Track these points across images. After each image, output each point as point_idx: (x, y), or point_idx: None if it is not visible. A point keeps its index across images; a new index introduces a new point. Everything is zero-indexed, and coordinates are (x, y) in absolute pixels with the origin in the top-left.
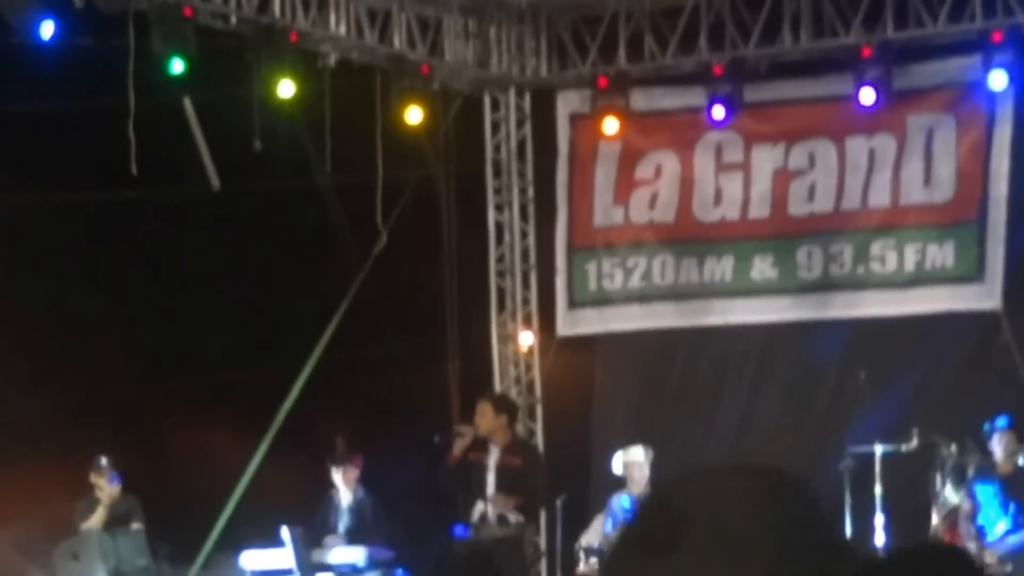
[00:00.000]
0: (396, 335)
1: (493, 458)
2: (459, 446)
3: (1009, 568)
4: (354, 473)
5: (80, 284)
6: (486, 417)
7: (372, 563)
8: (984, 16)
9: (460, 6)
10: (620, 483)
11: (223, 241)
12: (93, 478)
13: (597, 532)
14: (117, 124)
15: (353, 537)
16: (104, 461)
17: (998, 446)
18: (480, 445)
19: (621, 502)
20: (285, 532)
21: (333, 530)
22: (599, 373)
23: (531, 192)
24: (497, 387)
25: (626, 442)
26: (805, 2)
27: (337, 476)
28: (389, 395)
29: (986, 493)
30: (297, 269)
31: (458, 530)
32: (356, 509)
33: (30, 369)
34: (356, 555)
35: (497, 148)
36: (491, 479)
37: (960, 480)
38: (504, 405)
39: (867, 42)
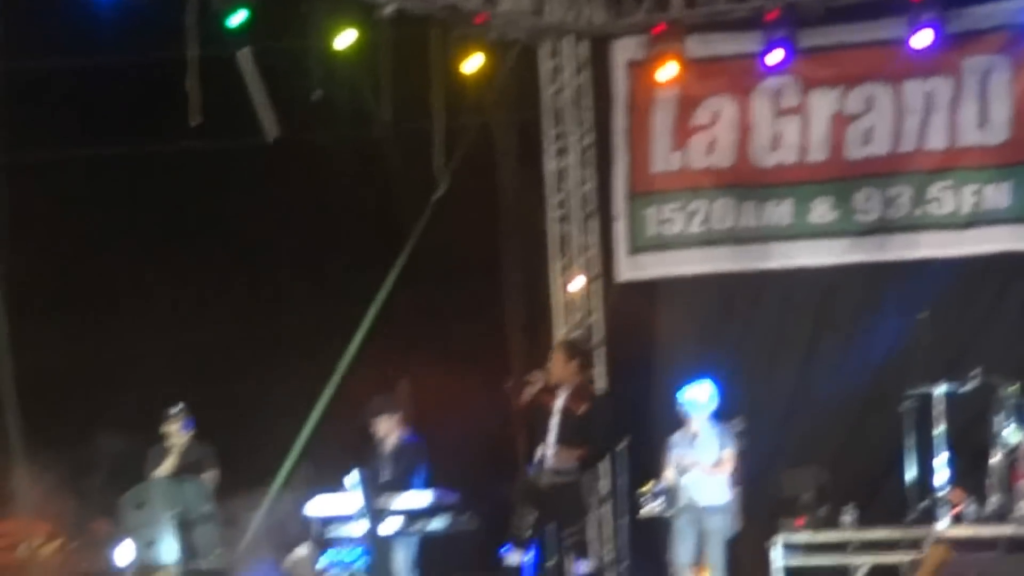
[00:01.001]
0: (456, 281)
1: (559, 402)
2: (528, 392)
3: None
4: (390, 422)
5: (143, 234)
6: (558, 363)
7: (439, 506)
8: None
9: None
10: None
11: (284, 190)
12: (165, 426)
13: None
14: (177, 76)
15: (395, 485)
16: (178, 408)
17: None
18: (550, 390)
19: (672, 440)
20: (353, 476)
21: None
22: (661, 317)
23: (589, 139)
24: (556, 332)
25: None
26: None
27: (375, 426)
28: (449, 341)
29: None
30: (357, 216)
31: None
32: (397, 457)
33: (98, 317)
34: (422, 499)
35: (555, 96)
36: (554, 423)
37: (1022, 418)
38: (575, 351)
39: None
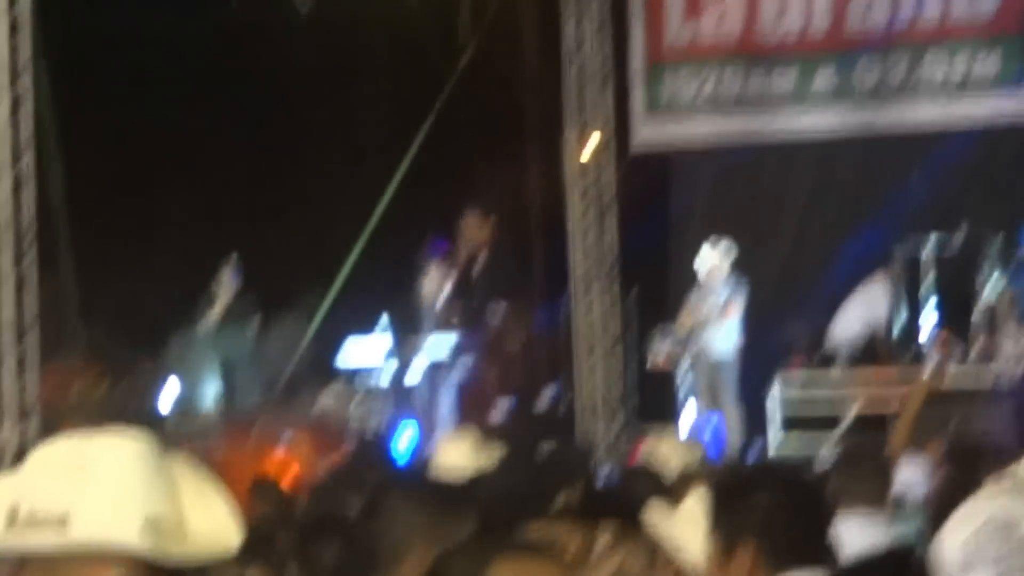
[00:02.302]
0: (479, 142)
1: (477, 268)
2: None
3: None
4: (443, 266)
5: (191, 100)
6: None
7: (463, 347)
8: None
9: None
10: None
11: (318, 57)
12: (222, 276)
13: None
14: None
15: (445, 326)
16: (233, 259)
17: None
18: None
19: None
20: (384, 319)
21: (422, 321)
22: (675, 179)
23: (606, 10)
24: (569, 190)
25: (701, 241)
26: None
27: (429, 270)
28: (471, 196)
29: None
30: (388, 81)
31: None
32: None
33: (148, 171)
34: (448, 340)
35: None
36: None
37: (1006, 265)
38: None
39: None
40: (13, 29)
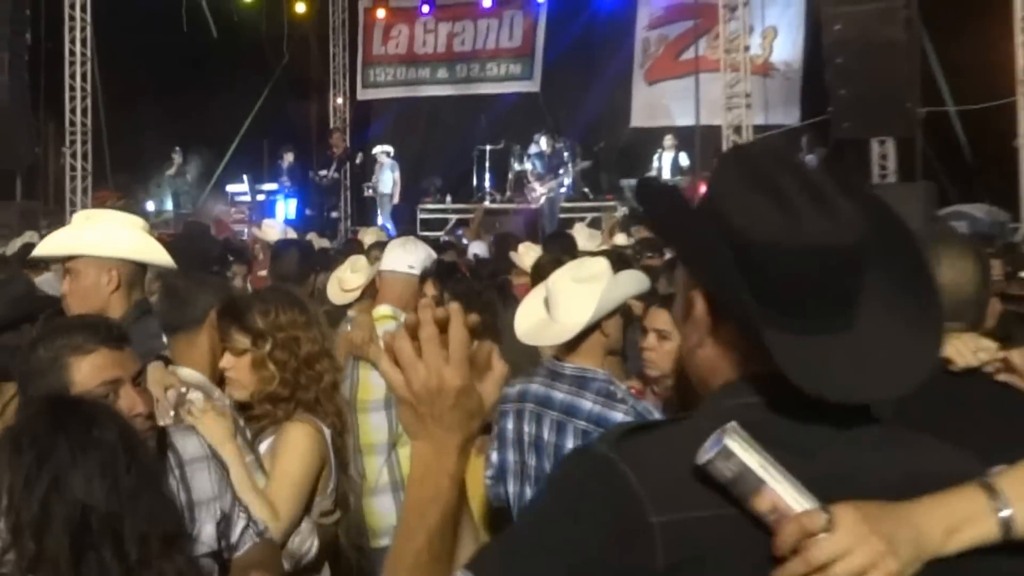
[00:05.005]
0: (295, 97)
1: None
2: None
3: (551, 192)
4: (292, 154)
5: (162, 80)
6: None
7: (279, 192)
8: None
9: None
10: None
11: (222, 54)
12: (173, 155)
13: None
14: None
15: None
16: (177, 148)
17: (542, 142)
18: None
19: (376, 168)
20: (245, 178)
21: (278, 177)
22: (374, 118)
23: (348, 36)
24: (330, 120)
25: (386, 141)
26: None
27: (285, 155)
28: (288, 123)
29: (538, 161)
30: (252, 61)
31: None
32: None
33: (148, 107)
34: (272, 187)
35: (335, 16)
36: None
37: (521, 158)
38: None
39: None
40: None
